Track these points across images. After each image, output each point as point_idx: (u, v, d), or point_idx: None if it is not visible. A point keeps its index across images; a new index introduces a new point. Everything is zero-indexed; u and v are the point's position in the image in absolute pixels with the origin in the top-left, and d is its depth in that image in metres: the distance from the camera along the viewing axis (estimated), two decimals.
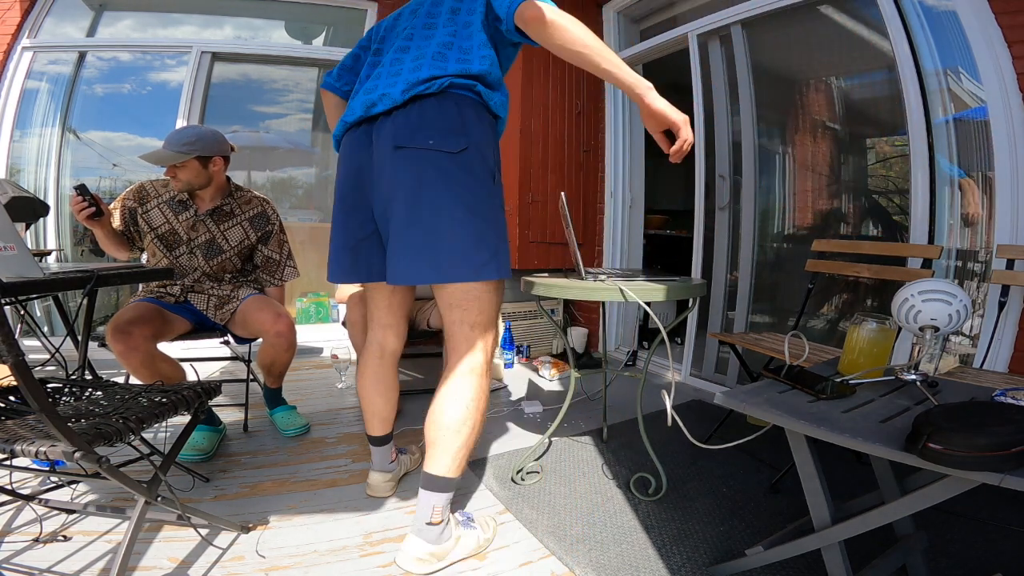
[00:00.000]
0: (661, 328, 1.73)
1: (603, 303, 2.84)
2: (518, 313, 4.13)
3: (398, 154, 1.47)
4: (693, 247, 3.56)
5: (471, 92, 1.52)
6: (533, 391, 3.32)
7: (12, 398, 1.51)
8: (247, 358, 2.63)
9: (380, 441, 1.93)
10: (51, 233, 3.84)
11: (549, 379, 3.57)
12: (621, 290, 1.77)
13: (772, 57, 3.20)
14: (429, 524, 1.53)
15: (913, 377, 1.34)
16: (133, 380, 2.19)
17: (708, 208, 3.48)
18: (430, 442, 1.56)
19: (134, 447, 1.48)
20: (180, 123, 3.88)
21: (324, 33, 4.52)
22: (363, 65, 1.74)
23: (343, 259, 1.65)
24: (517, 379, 3.56)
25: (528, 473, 2.13)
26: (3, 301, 1.41)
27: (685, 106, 3.43)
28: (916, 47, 2.42)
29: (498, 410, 2.92)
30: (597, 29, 4.18)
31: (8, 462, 1.42)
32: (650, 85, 1.47)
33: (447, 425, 1.53)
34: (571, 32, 1.46)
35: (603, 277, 1.93)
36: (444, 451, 1.53)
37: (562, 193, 1.99)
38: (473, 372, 1.57)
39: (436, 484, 1.54)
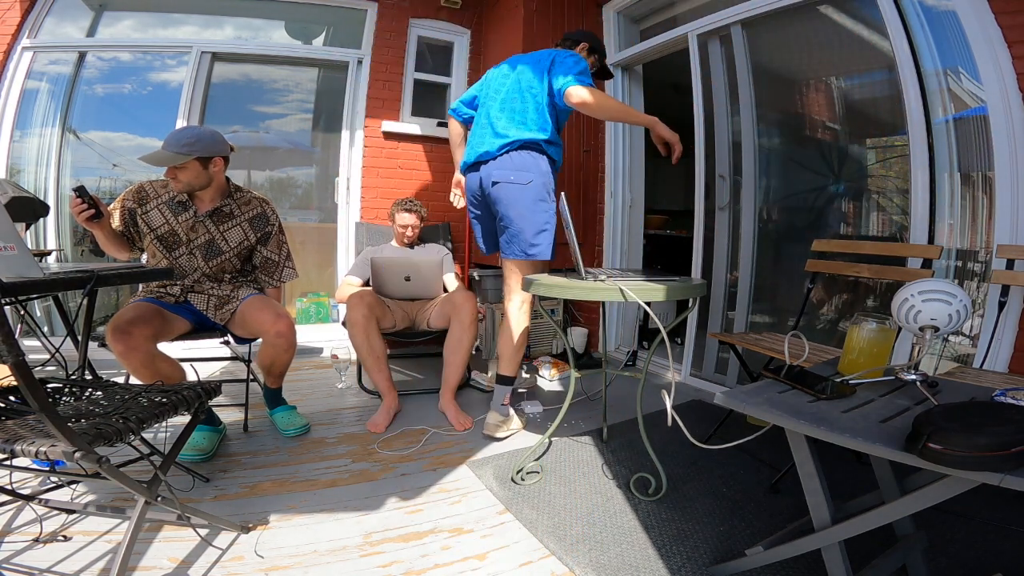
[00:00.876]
0: (661, 328, 1.73)
1: (603, 303, 2.85)
2: None
3: (496, 186, 2.40)
4: (693, 247, 3.57)
5: (538, 148, 2.42)
6: (533, 391, 3.32)
7: (12, 398, 1.51)
8: (247, 358, 2.63)
9: (504, 380, 2.56)
10: (51, 233, 3.84)
11: (549, 379, 3.57)
12: (621, 290, 1.78)
13: (772, 57, 3.20)
14: (502, 405, 2.57)
15: (913, 377, 1.34)
16: (133, 380, 2.19)
17: (708, 208, 3.48)
18: (500, 355, 2.57)
19: (134, 447, 1.48)
20: (180, 123, 3.88)
21: (324, 33, 4.52)
22: (478, 105, 2.64)
23: (491, 242, 2.65)
24: (517, 379, 3.55)
25: (528, 473, 2.13)
26: (3, 301, 1.41)
27: (685, 106, 3.46)
28: (916, 47, 2.42)
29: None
30: (597, 29, 4.17)
31: (8, 462, 1.42)
32: (656, 119, 2.32)
33: (512, 343, 2.53)
34: (604, 108, 2.41)
35: (603, 277, 1.93)
36: (510, 360, 2.55)
37: (562, 193, 1.99)
38: (522, 309, 2.56)
39: (506, 380, 2.57)
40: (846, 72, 2.96)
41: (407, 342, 4.09)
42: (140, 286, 2.44)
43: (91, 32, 3.95)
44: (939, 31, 2.37)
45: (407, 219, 3.38)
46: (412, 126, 4.40)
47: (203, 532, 1.67)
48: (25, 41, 3.69)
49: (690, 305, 2.21)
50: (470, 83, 4.60)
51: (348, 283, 3.35)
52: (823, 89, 3.12)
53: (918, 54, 2.41)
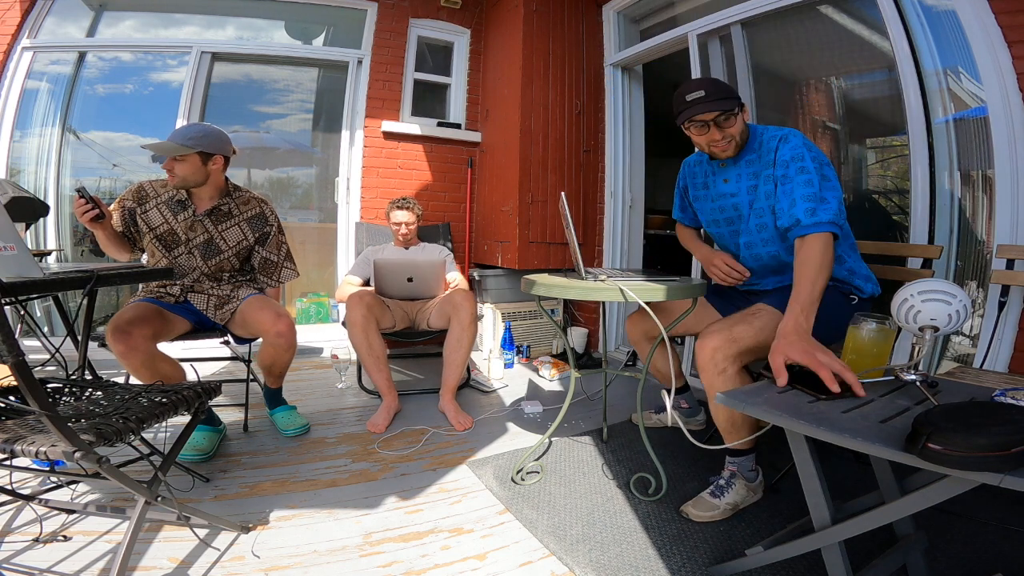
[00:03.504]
0: (661, 329, 1.73)
1: (603, 303, 2.85)
2: (518, 313, 4.15)
3: None
4: None
5: None
6: (533, 391, 3.32)
7: (12, 398, 1.51)
8: (247, 358, 2.63)
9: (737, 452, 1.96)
10: (51, 233, 3.83)
11: (549, 379, 3.57)
12: (621, 290, 1.78)
13: (772, 57, 3.20)
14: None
15: (913, 377, 1.33)
16: (133, 380, 2.19)
17: None
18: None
19: (134, 447, 1.48)
20: (180, 123, 3.87)
21: (324, 33, 4.52)
22: None
23: None
24: (517, 379, 3.57)
25: (528, 473, 2.13)
26: (3, 301, 1.41)
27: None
28: (916, 47, 2.42)
29: (498, 410, 2.93)
30: (597, 29, 4.19)
31: (8, 462, 1.42)
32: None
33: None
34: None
35: (603, 277, 1.93)
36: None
37: (562, 193, 1.99)
38: None
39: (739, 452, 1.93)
40: (847, 72, 2.96)
41: (407, 342, 4.10)
42: (140, 286, 2.44)
43: (91, 32, 3.95)
44: (939, 30, 2.37)
45: (401, 216, 3.37)
46: (412, 126, 4.39)
47: (203, 532, 1.68)
48: (25, 41, 3.69)
49: (692, 305, 2.21)
50: (470, 83, 4.64)
51: (348, 282, 3.35)
52: (823, 89, 3.12)
53: (918, 54, 2.41)
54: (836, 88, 3.02)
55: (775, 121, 3.25)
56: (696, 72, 3.45)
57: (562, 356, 4.13)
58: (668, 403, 1.62)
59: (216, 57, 4.10)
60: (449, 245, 3.98)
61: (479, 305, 4.08)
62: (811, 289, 1.55)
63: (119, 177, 4.08)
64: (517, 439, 2.55)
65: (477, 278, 4.21)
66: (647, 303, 1.80)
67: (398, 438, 2.51)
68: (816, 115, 3.13)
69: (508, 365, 3.75)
